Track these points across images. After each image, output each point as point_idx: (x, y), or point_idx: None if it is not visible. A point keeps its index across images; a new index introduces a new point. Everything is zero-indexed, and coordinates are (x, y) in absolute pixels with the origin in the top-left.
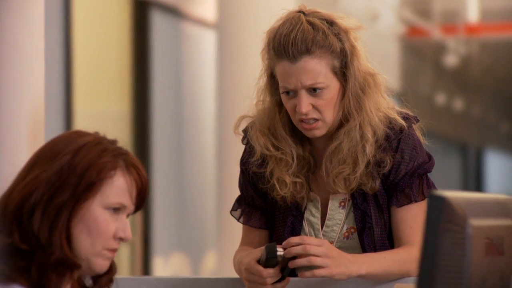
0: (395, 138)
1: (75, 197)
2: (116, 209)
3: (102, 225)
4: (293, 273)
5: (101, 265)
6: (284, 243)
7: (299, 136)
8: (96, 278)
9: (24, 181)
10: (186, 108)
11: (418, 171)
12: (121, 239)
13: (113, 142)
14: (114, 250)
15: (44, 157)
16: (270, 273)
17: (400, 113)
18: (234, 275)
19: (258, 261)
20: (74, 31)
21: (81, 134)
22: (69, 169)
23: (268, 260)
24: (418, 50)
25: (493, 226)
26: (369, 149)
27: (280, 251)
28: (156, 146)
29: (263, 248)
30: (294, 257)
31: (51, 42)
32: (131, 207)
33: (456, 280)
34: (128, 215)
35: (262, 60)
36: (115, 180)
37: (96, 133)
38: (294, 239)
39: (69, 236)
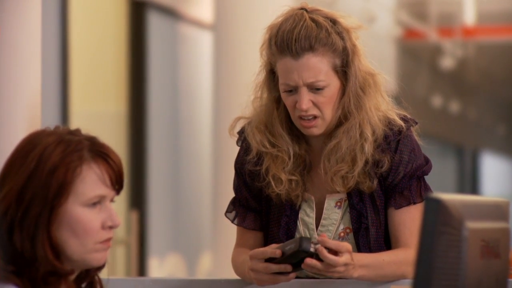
0: (394, 140)
1: (48, 205)
2: (96, 202)
3: (86, 224)
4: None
5: (98, 259)
6: (319, 240)
7: (296, 134)
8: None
9: None
10: (182, 109)
11: (417, 173)
12: (110, 228)
13: (75, 133)
14: (107, 240)
15: (13, 166)
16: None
17: (398, 115)
18: (230, 276)
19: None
20: (70, 31)
21: (40, 136)
22: (36, 179)
23: (297, 253)
24: (414, 53)
25: (489, 229)
26: (368, 147)
27: (312, 248)
28: (152, 147)
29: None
30: (311, 255)
31: (48, 42)
32: (111, 193)
33: (452, 283)
34: (112, 200)
35: (260, 56)
36: (84, 175)
37: (57, 128)
38: (331, 243)
39: (54, 244)
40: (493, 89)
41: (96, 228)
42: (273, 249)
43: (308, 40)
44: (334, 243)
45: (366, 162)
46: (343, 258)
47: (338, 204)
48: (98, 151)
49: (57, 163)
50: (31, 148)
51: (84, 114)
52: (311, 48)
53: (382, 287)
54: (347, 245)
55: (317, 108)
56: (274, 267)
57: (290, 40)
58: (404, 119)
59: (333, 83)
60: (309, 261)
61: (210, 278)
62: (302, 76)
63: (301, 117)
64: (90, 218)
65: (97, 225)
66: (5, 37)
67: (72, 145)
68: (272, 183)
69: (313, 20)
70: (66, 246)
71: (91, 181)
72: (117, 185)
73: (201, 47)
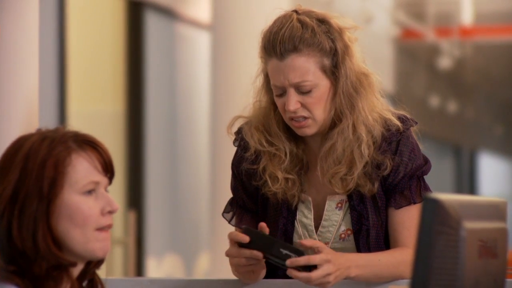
0: (394, 140)
1: (44, 199)
2: (91, 190)
3: (85, 211)
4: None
5: (100, 248)
6: (299, 244)
7: (293, 134)
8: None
9: None
10: (180, 109)
11: (417, 173)
12: (110, 213)
13: (57, 130)
14: (108, 227)
15: (2, 170)
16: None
17: (397, 115)
18: (228, 276)
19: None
20: (68, 32)
21: (24, 138)
22: (27, 176)
23: (284, 255)
24: (412, 53)
25: (487, 229)
26: (366, 149)
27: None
28: (150, 146)
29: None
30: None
31: (45, 43)
32: (104, 180)
33: (450, 283)
34: (106, 189)
35: (260, 60)
36: (74, 164)
37: (39, 130)
38: (300, 261)
39: (55, 237)
40: (490, 89)
41: (95, 214)
42: (242, 235)
43: (292, 41)
44: (303, 260)
45: (366, 164)
46: (319, 272)
47: (339, 205)
48: (84, 140)
49: (46, 157)
50: (17, 149)
51: (82, 113)
52: (295, 49)
53: (380, 287)
54: (321, 256)
55: (307, 109)
56: (248, 252)
57: (275, 41)
58: (403, 119)
59: (321, 84)
60: (290, 272)
61: (208, 278)
62: (288, 77)
63: (292, 118)
64: (88, 205)
65: (96, 212)
66: (2, 37)
67: (56, 138)
68: (269, 181)
69: (299, 20)
70: (67, 237)
71: (82, 168)
72: (108, 173)
73: (198, 47)
